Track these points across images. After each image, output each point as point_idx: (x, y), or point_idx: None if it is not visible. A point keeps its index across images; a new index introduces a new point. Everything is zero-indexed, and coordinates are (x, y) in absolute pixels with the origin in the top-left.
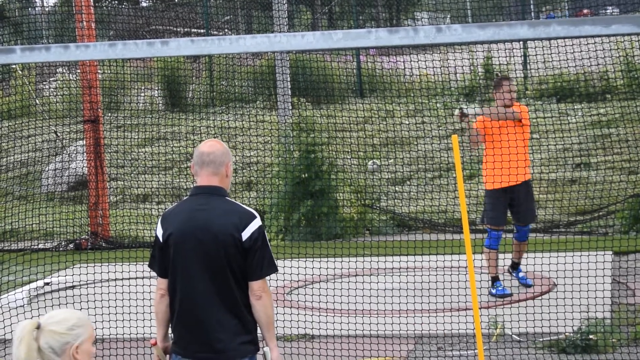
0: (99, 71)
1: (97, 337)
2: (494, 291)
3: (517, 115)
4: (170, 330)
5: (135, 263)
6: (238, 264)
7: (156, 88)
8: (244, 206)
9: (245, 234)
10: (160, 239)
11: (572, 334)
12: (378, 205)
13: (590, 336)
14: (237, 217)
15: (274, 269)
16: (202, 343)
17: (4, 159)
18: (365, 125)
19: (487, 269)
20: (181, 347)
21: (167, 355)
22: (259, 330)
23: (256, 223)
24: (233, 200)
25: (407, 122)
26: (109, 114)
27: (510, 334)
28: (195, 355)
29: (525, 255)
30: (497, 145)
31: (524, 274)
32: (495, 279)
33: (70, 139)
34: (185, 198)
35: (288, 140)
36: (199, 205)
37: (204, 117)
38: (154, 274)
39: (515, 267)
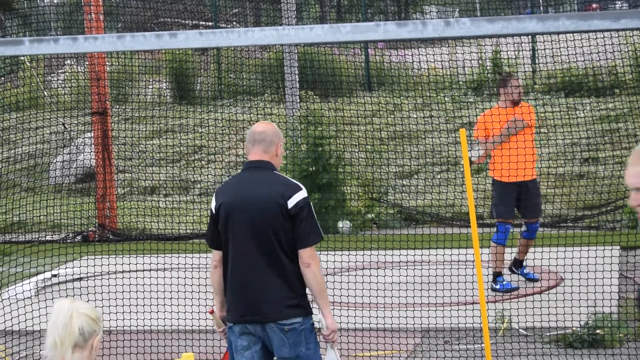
0: (107, 63)
1: (104, 329)
2: (497, 286)
3: (525, 124)
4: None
5: (142, 255)
6: (285, 231)
7: (164, 80)
8: (290, 179)
9: (291, 202)
10: (213, 210)
11: (579, 329)
12: (385, 198)
13: (597, 331)
14: (283, 186)
15: (320, 237)
16: (250, 307)
17: (12, 151)
18: (373, 118)
19: (493, 263)
20: (232, 314)
21: (225, 325)
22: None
23: (302, 194)
24: (281, 174)
25: (415, 116)
26: (117, 106)
27: (517, 328)
28: (244, 319)
29: (532, 250)
30: (504, 139)
31: (530, 268)
32: (497, 274)
33: (78, 131)
34: (238, 173)
35: (296, 134)
36: (247, 177)
37: (212, 109)
38: (160, 266)
39: (517, 265)
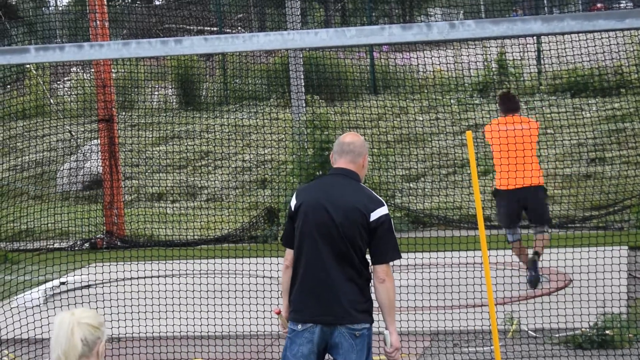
0: (113, 70)
1: (113, 336)
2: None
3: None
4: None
5: (150, 262)
6: (362, 240)
7: (170, 86)
8: (375, 193)
9: (374, 215)
10: (292, 208)
11: (588, 330)
12: (393, 201)
13: (607, 331)
14: (367, 198)
15: (398, 256)
16: (322, 307)
17: (19, 159)
18: (379, 122)
19: (519, 261)
20: (300, 313)
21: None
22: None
23: (385, 209)
24: (367, 187)
25: (421, 119)
26: (123, 113)
27: (526, 330)
28: (315, 319)
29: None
30: (504, 148)
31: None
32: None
33: (85, 138)
34: (323, 176)
35: (302, 138)
36: (332, 181)
37: (218, 115)
38: (168, 272)
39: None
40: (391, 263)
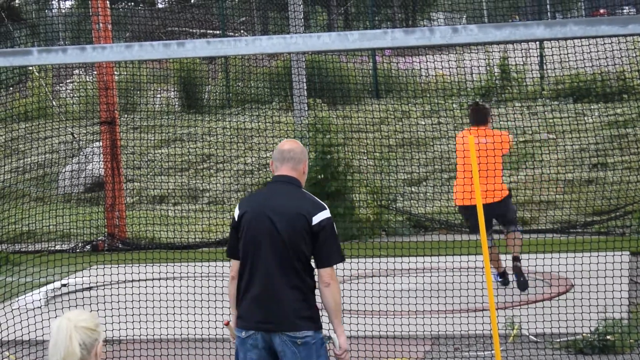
0: (115, 73)
1: (114, 338)
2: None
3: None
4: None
5: (152, 264)
6: (305, 245)
7: (172, 89)
8: (317, 198)
9: (315, 220)
10: (235, 219)
11: (589, 335)
12: (394, 206)
13: (608, 337)
14: (309, 203)
15: (342, 259)
16: (265, 314)
17: (21, 161)
18: (381, 126)
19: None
20: (245, 320)
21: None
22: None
23: (327, 213)
24: (308, 192)
25: (423, 123)
26: (126, 116)
27: (527, 334)
28: (258, 326)
29: (541, 256)
30: (467, 161)
31: (540, 274)
32: (502, 275)
33: (87, 140)
34: (264, 185)
35: (304, 141)
36: (274, 190)
37: (220, 118)
38: (170, 275)
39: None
40: (335, 266)
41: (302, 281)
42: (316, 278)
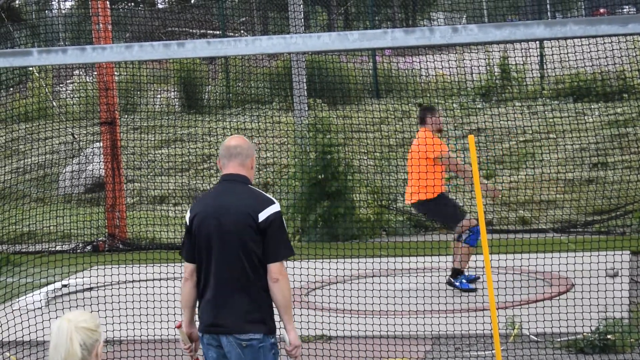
0: (115, 73)
1: (115, 338)
2: (457, 283)
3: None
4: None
5: (152, 265)
6: (255, 244)
7: (172, 90)
8: (265, 193)
9: (262, 216)
10: (187, 222)
11: (589, 334)
12: (395, 206)
13: (608, 336)
14: (255, 200)
15: (291, 253)
16: (215, 318)
17: (22, 161)
18: (382, 125)
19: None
20: (200, 322)
21: (192, 343)
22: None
23: (274, 208)
24: (255, 188)
25: None
26: (126, 116)
27: (528, 334)
28: (209, 329)
29: (542, 255)
30: (411, 162)
31: (540, 274)
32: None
33: (87, 141)
34: (213, 186)
35: (304, 142)
36: (222, 190)
37: (220, 118)
38: (170, 275)
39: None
40: (285, 262)
41: (253, 282)
42: None
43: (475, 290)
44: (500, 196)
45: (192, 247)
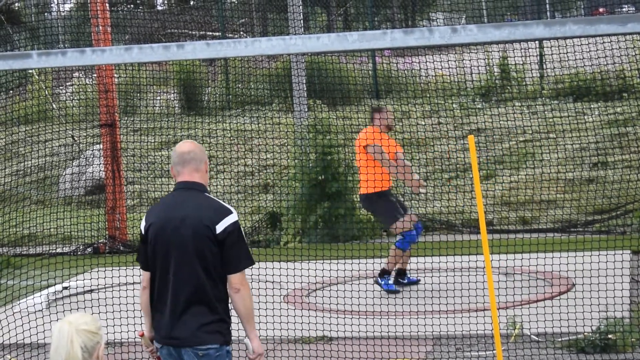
0: (115, 75)
1: (115, 341)
2: (382, 282)
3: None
4: None
5: None
6: (212, 255)
7: (172, 91)
8: (221, 202)
9: (220, 227)
10: (142, 231)
11: (590, 334)
12: None
13: (609, 335)
14: (212, 211)
15: (251, 263)
16: (170, 329)
17: (22, 164)
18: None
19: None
20: (157, 333)
21: (154, 345)
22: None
23: (231, 218)
24: (212, 196)
25: (424, 123)
26: (126, 118)
27: (529, 334)
28: (165, 341)
29: (542, 255)
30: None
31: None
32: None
33: (87, 143)
34: (168, 194)
35: (304, 143)
36: (178, 199)
37: (220, 120)
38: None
39: (402, 275)
40: (245, 271)
41: (209, 294)
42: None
43: (398, 292)
44: (425, 192)
45: (147, 256)
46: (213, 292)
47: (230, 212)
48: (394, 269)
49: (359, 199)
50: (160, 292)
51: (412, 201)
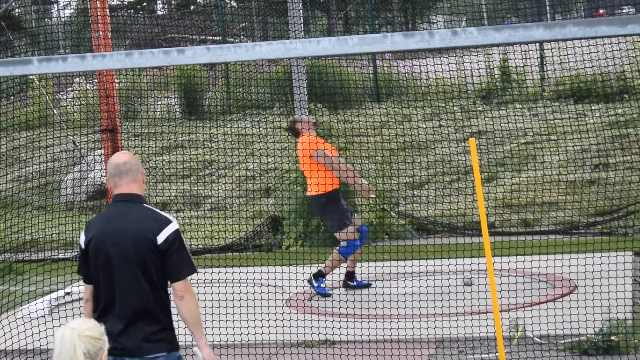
0: (116, 80)
1: None
2: (315, 284)
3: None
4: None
5: None
6: (155, 265)
7: (173, 96)
8: (161, 212)
9: (161, 237)
10: (82, 245)
11: (593, 336)
12: (397, 209)
13: (612, 337)
14: (153, 221)
15: (194, 270)
16: (117, 341)
17: (23, 170)
18: (383, 129)
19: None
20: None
21: None
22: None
23: (172, 227)
24: (151, 207)
25: (425, 126)
26: (127, 123)
27: (532, 336)
28: (114, 352)
29: (545, 257)
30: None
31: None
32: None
33: (89, 148)
34: (107, 207)
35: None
36: (118, 211)
37: (221, 124)
38: None
39: (351, 278)
40: (189, 278)
41: (154, 303)
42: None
43: (329, 295)
44: (375, 196)
45: (89, 270)
46: (157, 301)
47: (170, 222)
48: (330, 272)
49: (309, 199)
50: (106, 305)
51: (414, 204)
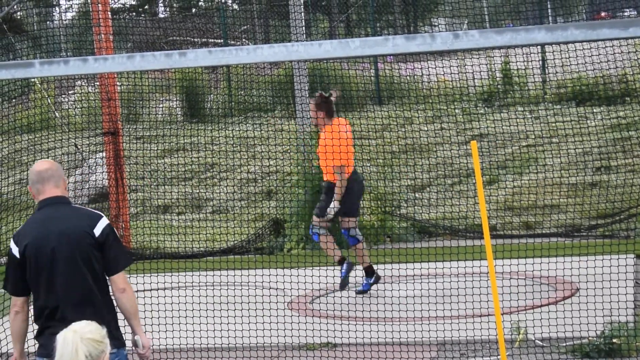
0: (117, 83)
1: None
2: (365, 281)
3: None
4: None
5: (156, 274)
6: (97, 260)
7: (175, 99)
8: (89, 209)
9: (97, 230)
10: (17, 255)
11: (595, 338)
12: (398, 212)
13: (614, 340)
14: (86, 217)
15: (130, 261)
16: None
17: (25, 173)
18: (384, 132)
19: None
20: (45, 348)
21: None
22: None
23: (104, 221)
24: (78, 205)
25: (426, 129)
26: (129, 126)
27: (533, 339)
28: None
29: (546, 260)
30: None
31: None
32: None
33: (90, 151)
34: (34, 213)
35: (307, 149)
36: (49, 214)
37: (223, 127)
38: (174, 284)
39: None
40: (125, 271)
41: (100, 300)
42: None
43: (367, 291)
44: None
45: (22, 279)
46: (103, 298)
47: (101, 217)
48: (368, 262)
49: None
50: (51, 310)
51: (416, 207)
